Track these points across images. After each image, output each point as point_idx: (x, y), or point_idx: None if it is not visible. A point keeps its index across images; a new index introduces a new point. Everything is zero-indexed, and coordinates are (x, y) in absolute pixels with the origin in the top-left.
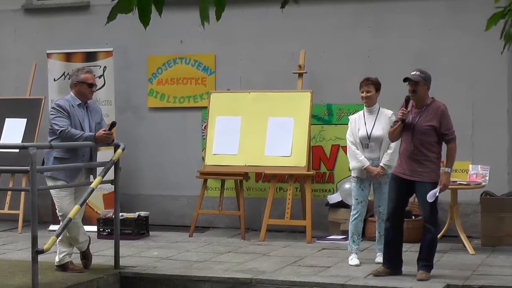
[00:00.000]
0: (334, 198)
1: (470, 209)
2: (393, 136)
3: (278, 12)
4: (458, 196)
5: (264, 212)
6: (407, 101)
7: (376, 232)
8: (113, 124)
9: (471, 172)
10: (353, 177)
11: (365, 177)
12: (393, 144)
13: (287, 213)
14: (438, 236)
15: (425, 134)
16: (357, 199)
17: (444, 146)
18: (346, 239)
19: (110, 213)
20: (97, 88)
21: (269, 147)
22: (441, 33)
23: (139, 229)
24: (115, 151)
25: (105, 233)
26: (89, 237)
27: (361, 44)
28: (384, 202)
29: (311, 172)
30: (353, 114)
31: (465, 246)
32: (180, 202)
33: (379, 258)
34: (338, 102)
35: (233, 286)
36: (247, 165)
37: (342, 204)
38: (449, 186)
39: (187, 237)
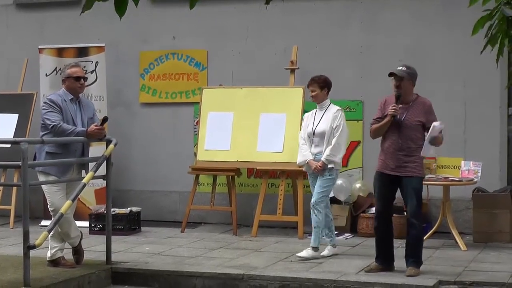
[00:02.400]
0: None
1: (462, 205)
2: (378, 132)
3: (270, 8)
4: (450, 192)
5: (256, 208)
6: (397, 97)
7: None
8: (105, 119)
9: (463, 169)
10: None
11: (310, 171)
12: (334, 140)
13: (279, 209)
14: (430, 232)
15: (414, 130)
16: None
17: None
18: (338, 235)
19: (102, 208)
20: (88, 82)
21: (261, 143)
22: (433, 30)
23: (131, 224)
24: (107, 146)
25: (97, 229)
26: (81, 232)
27: (353, 40)
28: (316, 195)
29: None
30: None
31: (457, 242)
32: (172, 198)
33: (325, 252)
34: (330, 98)
35: (225, 281)
36: (239, 160)
37: (334, 200)
38: (442, 183)
39: (179, 233)
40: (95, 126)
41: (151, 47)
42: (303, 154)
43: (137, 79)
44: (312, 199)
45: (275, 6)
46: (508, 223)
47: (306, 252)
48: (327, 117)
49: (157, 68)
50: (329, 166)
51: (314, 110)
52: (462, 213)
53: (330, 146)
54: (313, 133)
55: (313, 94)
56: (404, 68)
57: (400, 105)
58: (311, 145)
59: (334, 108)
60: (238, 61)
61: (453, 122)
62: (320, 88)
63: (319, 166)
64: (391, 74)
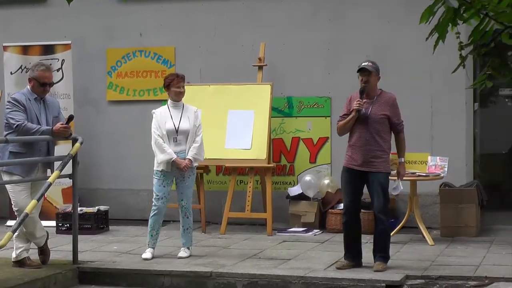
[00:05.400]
0: (294, 190)
1: (429, 200)
2: (345, 128)
3: (237, 4)
4: (417, 187)
5: (225, 205)
6: (362, 92)
7: (180, 226)
8: (70, 118)
9: (430, 164)
10: (157, 171)
11: (170, 171)
12: (198, 138)
13: (248, 206)
14: (398, 227)
15: (380, 124)
16: (157, 195)
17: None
18: (306, 231)
19: (69, 207)
20: (54, 80)
21: (229, 140)
22: (399, 25)
23: (99, 223)
24: (73, 145)
25: (64, 228)
26: (47, 232)
27: (321, 36)
28: (188, 196)
29: (272, 165)
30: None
31: (424, 237)
32: (140, 196)
33: (183, 253)
34: (298, 95)
35: (193, 279)
36: (207, 158)
37: (302, 197)
38: (409, 178)
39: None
40: (61, 124)
41: (118, 44)
42: (167, 153)
43: (104, 77)
44: (184, 201)
45: (243, 3)
46: (474, 217)
47: (185, 252)
48: (188, 115)
49: (124, 65)
50: (194, 164)
51: (165, 107)
52: (429, 208)
53: (197, 145)
54: (176, 131)
55: (184, 90)
56: (370, 64)
57: (365, 100)
58: (169, 143)
59: (191, 107)
60: (206, 58)
61: (419, 118)
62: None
63: (188, 164)
64: (360, 69)
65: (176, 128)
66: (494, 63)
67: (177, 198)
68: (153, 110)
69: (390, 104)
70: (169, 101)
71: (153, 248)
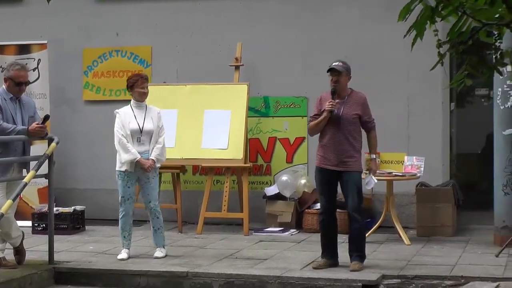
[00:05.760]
0: (271, 190)
1: (405, 200)
2: (317, 128)
3: (214, 4)
4: (393, 187)
5: (201, 205)
6: (333, 93)
7: (151, 227)
8: (46, 118)
9: (407, 164)
10: (120, 172)
11: (133, 171)
12: (161, 139)
13: (224, 205)
14: (374, 227)
15: (352, 124)
16: (123, 197)
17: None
18: (283, 231)
19: (45, 207)
20: (29, 84)
21: (206, 139)
22: (377, 25)
23: (75, 223)
24: (49, 145)
25: (40, 228)
26: (23, 232)
27: (298, 36)
28: (155, 197)
29: (248, 165)
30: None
31: (400, 237)
32: (116, 196)
33: (159, 253)
34: (274, 95)
35: (169, 279)
36: (183, 158)
37: (279, 196)
38: (385, 178)
39: None
40: (37, 124)
41: (95, 44)
42: (132, 153)
43: (81, 77)
44: (152, 203)
45: (220, 2)
46: (450, 217)
47: (161, 252)
48: (152, 116)
49: (101, 65)
50: (157, 165)
51: (127, 107)
52: (405, 207)
53: (160, 146)
54: (141, 131)
55: (147, 91)
56: (340, 64)
57: (337, 100)
58: (133, 143)
59: (155, 108)
60: (183, 58)
61: (396, 117)
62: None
63: (152, 164)
64: (330, 70)
65: (141, 128)
66: (472, 61)
67: (143, 201)
68: (116, 110)
69: (361, 103)
70: (132, 101)
71: (128, 248)
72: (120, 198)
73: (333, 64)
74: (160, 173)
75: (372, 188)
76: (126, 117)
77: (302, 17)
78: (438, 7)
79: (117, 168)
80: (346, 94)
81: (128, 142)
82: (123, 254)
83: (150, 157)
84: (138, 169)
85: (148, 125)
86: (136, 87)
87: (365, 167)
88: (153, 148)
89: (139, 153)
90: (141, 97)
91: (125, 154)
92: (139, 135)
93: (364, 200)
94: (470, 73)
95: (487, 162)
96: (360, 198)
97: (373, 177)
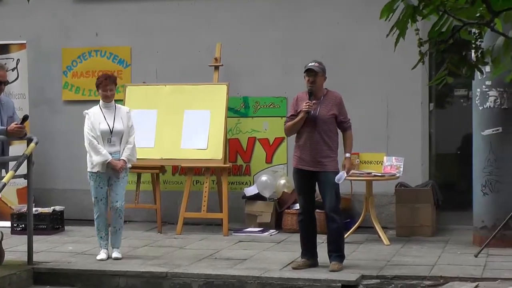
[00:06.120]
0: (250, 190)
1: (385, 200)
2: (293, 129)
3: (193, 5)
4: (373, 187)
5: (181, 205)
6: (310, 93)
7: (111, 227)
8: (25, 118)
9: (386, 164)
10: (92, 173)
11: (104, 172)
12: (131, 139)
13: (204, 206)
14: (354, 227)
15: (328, 124)
16: (96, 198)
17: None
18: (263, 231)
19: (24, 208)
20: (8, 83)
21: (185, 140)
22: (356, 25)
23: (54, 224)
24: (28, 145)
25: (19, 229)
26: (2, 232)
27: (277, 36)
28: (122, 197)
29: (228, 165)
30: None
31: (380, 237)
32: None
33: (117, 254)
34: (254, 95)
35: (148, 280)
36: (163, 158)
37: (258, 197)
38: (364, 178)
39: None
40: (16, 124)
41: (74, 44)
42: (103, 154)
43: (60, 77)
44: (118, 203)
45: (199, 3)
46: (430, 217)
47: (119, 253)
48: (121, 116)
49: (80, 65)
50: (128, 165)
51: (96, 107)
52: (385, 208)
53: (131, 146)
54: (111, 132)
55: (112, 92)
56: (316, 64)
57: (314, 101)
58: (104, 144)
59: (124, 108)
60: (162, 58)
61: (375, 118)
62: (115, 88)
63: (124, 165)
64: (306, 70)
65: (111, 129)
66: (454, 59)
67: (110, 200)
68: (85, 111)
69: (337, 103)
70: (101, 102)
71: (106, 248)
72: (93, 199)
73: (309, 64)
74: (139, 174)
75: (351, 188)
76: (96, 118)
77: (281, 17)
78: (420, 6)
79: (88, 170)
80: (322, 94)
81: (98, 144)
82: (102, 255)
83: (121, 158)
84: (109, 170)
85: (118, 126)
86: (100, 89)
87: (341, 167)
88: (123, 149)
89: (110, 154)
90: (105, 99)
91: (96, 156)
92: (109, 136)
93: (343, 200)
94: (452, 72)
95: (466, 163)
96: (338, 198)
97: (345, 172)
